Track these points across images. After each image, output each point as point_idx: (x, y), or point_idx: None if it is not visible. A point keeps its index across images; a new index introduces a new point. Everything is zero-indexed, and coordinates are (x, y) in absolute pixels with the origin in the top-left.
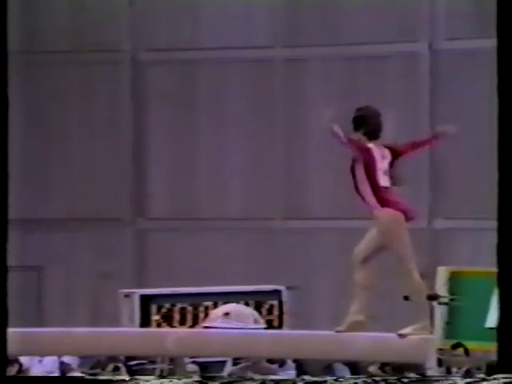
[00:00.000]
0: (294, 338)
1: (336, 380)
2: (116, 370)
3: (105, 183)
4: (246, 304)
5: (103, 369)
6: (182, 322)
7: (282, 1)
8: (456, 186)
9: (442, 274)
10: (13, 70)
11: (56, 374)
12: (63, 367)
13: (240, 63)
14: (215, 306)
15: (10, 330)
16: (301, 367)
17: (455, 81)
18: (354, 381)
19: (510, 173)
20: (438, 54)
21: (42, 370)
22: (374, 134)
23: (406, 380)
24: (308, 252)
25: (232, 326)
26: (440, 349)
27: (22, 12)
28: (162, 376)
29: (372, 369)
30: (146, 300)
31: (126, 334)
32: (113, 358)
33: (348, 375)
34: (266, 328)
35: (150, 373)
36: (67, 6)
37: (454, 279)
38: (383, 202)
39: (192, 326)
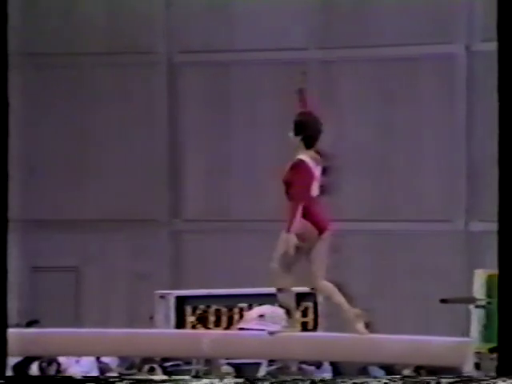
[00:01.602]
0: (328, 341)
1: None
2: (151, 370)
3: (141, 185)
4: (280, 306)
5: (139, 370)
6: (217, 324)
7: (317, 2)
8: (493, 189)
9: (479, 276)
10: (51, 71)
11: (94, 374)
12: (101, 367)
13: (274, 65)
14: (250, 307)
15: (48, 330)
16: (337, 369)
17: (492, 83)
18: (385, 381)
19: (510, 173)
20: (475, 55)
21: (80, 370)
22: (312, 140)
23: (451, 380)
24: (342, 253)
25: (267, 327)
26: (477, 352)
27: (59, 14)
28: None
29: (406, 372)
30: (181, 301)
31: (162, 335)
32: (148, 359)
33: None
34: (300, 330)
35: (186, 374)
36: (104, 9)
37: (490, 282)
38: (306, 216)
39: (227, 328)
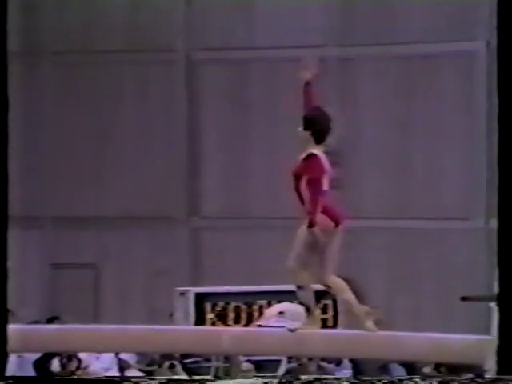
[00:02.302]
0: (348, 338)
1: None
2: (172, 367)
3: (159, 182)
4: (300, 303)
5: (159, 366)
6: (237, 321)
7: (336, 0)
8: None
9: None
10: (71, 69)
11: (114, 370)
12: (121, 364)
13: (293, 62)
14: (269, 304)
15: (68, 327)
16: (357, 367)
17: None
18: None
19: (510, 173)
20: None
21: (100, 366)
22: (322, 135)
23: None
24: (360, 250)
25: (286, 324)
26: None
27: (79, 12)
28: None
29: (427, 370)
30: (200, 298)
31: (181, 331)
32: (168, 356)
33: (404, 375)
34: (320, 327)
35: (205, 371)
36: (123, 6)
37: None
38: (321, 207)
39: (246, 325)
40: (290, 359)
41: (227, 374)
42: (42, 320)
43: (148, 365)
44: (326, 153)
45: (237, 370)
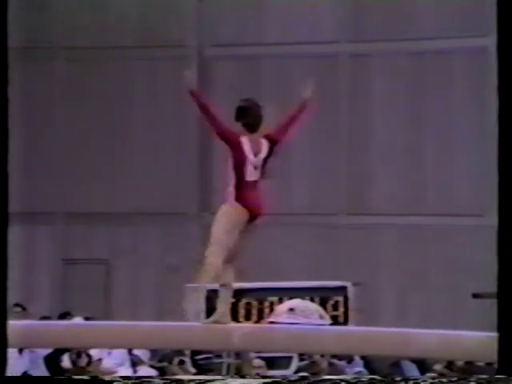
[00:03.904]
0: (359, 335)
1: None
2: (181, 363)
3: (171, 178)
4: (311, 300)
5: (170, 362)
6: (248, 317)
7: None
8: None
9: None
10: (82, 65)
11: (126, 366)
12: (133, 360)
13: (305, 58)
14: (280, 301)
15: (79, 322)
16: (368, 364)
17: None
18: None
19: (510, 172)
20: None
21: (112, 362)
22: (253, 126)
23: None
24: (372, 247)
25: (297, 321)
26: None
27: (91, 8)
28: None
29: (438, 367)
30: (211, 294)
31: (192, 328)
32: (179, 352)
33: (416, 373)
34: (331, 324)
35: (217, 367)
36: (135, 2)
37: None
38: (239, 197)
39: (257, 321)
40: (301, 356)
41: (238, 371)
42: (53, 316)
43: (159, 361)
44: (259, 143)
45: (248, 367)
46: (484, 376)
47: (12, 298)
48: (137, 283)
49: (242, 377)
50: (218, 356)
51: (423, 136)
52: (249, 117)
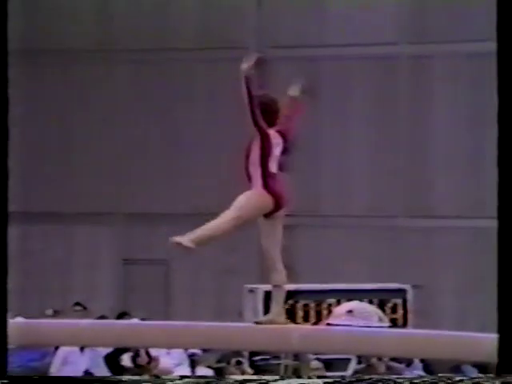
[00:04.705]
0: (418, 338)
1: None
2: (238, 364)
3: (230, 180)
4: (370, 302)
5: (228, 363)
6: (306, 319)
7: None
8: None
9: None
10: (142, 67)
11: (184, 366)
12: (192, 359)
13: (365, 60)
14: (338, 303)
15: (138, 322)
16: (428, 367)
17: None
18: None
19: (510, 172)
20: None
21: (171, 362)
22: (272, 120)
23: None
24: (432, 250)
25: (356, 323)
26: None
27: (151, 10)
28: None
29: None
30: (269, 296)
31: (251, 329)
32: (236, 353)
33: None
34: (390, 327)
35: (274, 368)
36: (195, 4)
37: None
38: (267, 186)
39: (315, 323)
40: (359, 358)
41: (296, 372)
42: (111, 315)
43: (218, 361)
44: (276, 137)
45: (306, 369)
46: None
47: (74, 297)
48: (196, 284)
49: (299, 377)
50: (276, 357)
51: (485, 137)
52: (267, 111)
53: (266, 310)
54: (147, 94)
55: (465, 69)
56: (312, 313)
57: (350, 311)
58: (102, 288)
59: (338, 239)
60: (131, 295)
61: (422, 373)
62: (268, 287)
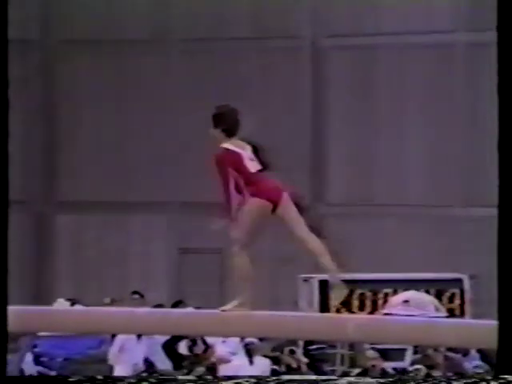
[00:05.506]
0: (474, 328)
1: None
2: (292, 353)
3: (284, 168)
4: (427, 292)
5: (282, 352)
6: (361, 308)
7: None
8: None
9: None
10: (197, 57)
11: (240, 355)
12: (248, 348)
13: (421, 48)
14: (395, 292)
15: (192, 311)
16: (485, 357)
17: None
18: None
19: (510, 170)
20: None
21: (226, 350)
22: (231, 131)
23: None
24: (489, 239)
25: (412, 313)
26: None
27: (205, 0)
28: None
29: None
30: (324, 285)
31: (306, 318)
32: (291, 342)
33: None
34: (447, 317)
35: (330, 357)
36: None
37: None
38: (253, 193)
39: (371, 312)
40: (415, 348)
41: (352, 362)
42: (167, 304)
43: (273, 350)
44: (241, 145)
45: (362, 358)
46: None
47: (130, 286)
48: (251, 273)
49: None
50: (332, 346)
51: None
52: (227, 122)
53: (322, 300)
54: (202, 82)
55: None
56: (368, 302)
57: (406, 301)
58: (158, 277)
59: (395, 229)
60: (187, 284)
61: (479, 363)
62: (323, 277)
